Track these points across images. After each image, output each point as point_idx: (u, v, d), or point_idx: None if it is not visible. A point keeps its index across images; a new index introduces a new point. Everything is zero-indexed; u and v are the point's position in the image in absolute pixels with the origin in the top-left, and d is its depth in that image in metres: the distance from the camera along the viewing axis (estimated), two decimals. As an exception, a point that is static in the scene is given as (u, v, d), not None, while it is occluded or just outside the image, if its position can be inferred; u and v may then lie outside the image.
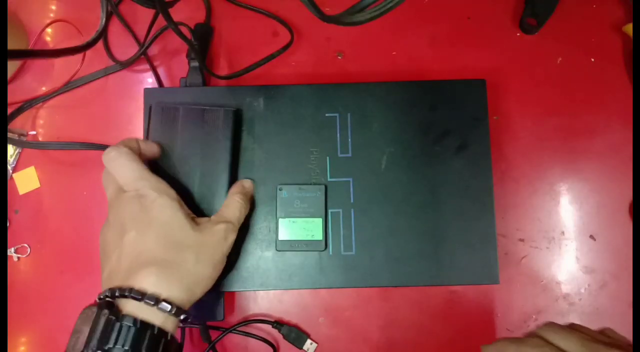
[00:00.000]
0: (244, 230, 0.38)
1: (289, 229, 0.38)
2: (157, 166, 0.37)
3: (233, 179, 0.38)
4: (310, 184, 0.39)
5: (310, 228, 0.38)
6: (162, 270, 0.29)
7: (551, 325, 0.33)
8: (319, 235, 0.38)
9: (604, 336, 0.33)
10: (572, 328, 0.33)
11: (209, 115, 0.38)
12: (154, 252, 0.30)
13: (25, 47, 0.44)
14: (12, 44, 0.43)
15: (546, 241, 0.42)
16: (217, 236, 0.33)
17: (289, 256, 0.38)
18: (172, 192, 0.33)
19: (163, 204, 0.31)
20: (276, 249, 0.38)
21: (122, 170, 0.33)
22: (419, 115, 0.39)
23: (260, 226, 0.38)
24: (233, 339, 0.41)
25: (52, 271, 0.42)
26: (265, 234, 0.38)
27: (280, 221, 0.38)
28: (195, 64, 0.41)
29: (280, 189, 0.38)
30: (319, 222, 0.38)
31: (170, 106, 0.38)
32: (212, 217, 0.35)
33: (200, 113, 0.38)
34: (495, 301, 0.41)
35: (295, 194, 0.38)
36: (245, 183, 0.38)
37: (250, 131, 0.39)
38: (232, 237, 0.34)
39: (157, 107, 0.38)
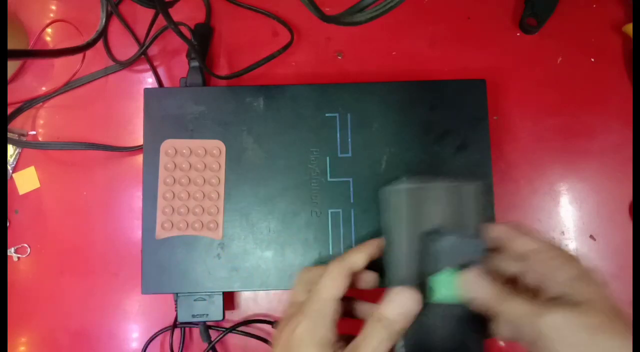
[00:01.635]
0: (244, 230, 0.38)
1: None
2: None
3: None
4: None
5: None
6: None
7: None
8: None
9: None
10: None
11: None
12: None
13: (25, 47, 0.44)
14: (12, 44, 0.43)
15: (546, 241, 0.42)
16: None
17: (289, 255, 0.38)
18: None
19: None
20: None
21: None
22: (419, 115, 0.39)
23: (260, 226, 0.38)
24: (233, 339, 0.41)
25: (52, 271, 0.42)
26: (265, 234, 0.38)
27: None
28: (195, 64, 0.41)
29: None
30: None
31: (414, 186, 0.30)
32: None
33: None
34: (495, 301, 0.41)
35: None
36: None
37: (250, 131, 0.39)
38: None
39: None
